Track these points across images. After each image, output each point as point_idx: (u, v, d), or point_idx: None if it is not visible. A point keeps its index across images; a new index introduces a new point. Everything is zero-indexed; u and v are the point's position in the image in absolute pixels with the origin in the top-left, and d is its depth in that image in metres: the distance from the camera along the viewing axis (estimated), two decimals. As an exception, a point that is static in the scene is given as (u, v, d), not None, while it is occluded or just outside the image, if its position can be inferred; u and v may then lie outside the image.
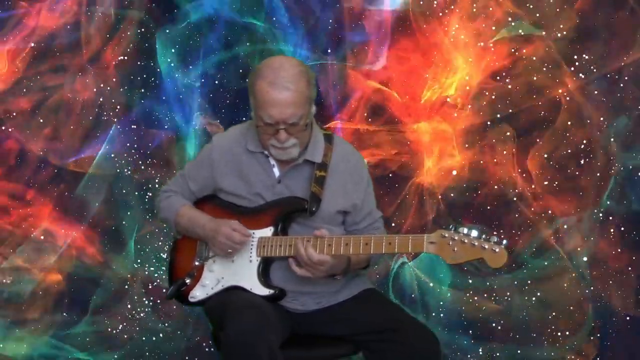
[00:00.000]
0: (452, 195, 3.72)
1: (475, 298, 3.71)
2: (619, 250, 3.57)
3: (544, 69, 3.60)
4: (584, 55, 3.57)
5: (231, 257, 2.72)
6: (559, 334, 3.64)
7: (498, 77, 3.65)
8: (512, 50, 3.62)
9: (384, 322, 2.67)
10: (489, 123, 3.68)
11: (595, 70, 3.57)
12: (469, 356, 3.72)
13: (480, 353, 3.71)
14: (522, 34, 3.61)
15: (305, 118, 2.61)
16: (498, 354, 3.69)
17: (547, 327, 3.65)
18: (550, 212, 3.64)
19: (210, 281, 2.75)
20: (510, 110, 3.65)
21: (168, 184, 2.94)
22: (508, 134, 3.66)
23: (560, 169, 3.63)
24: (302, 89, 2.58)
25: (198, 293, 2.76)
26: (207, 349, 3.87)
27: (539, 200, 3.64)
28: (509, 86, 3.64)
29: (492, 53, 3.65)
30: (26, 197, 3.93)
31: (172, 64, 3.90)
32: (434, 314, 3.75)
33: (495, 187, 3.69)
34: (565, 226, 3.62)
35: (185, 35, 3.89)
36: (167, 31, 3.89)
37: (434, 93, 3.72)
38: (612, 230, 3.58)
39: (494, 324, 3.71)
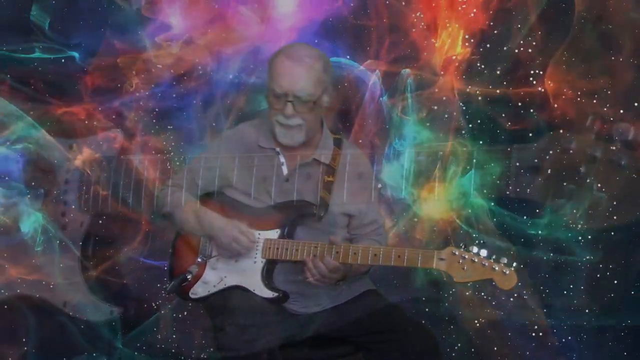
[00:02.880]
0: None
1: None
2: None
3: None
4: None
5: (234, 257, 2.71)
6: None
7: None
8: None
9: (384, 323, 2.70)
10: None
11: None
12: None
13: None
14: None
15: (314, 98, 2.62)
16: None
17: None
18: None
19: (212, 279, 2.73)
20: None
21: (174, 178, 2.89)
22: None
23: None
24: (317, 68, 2.62)
25: (199, 290, 2.75)
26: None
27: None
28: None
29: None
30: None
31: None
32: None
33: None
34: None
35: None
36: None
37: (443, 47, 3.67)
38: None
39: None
